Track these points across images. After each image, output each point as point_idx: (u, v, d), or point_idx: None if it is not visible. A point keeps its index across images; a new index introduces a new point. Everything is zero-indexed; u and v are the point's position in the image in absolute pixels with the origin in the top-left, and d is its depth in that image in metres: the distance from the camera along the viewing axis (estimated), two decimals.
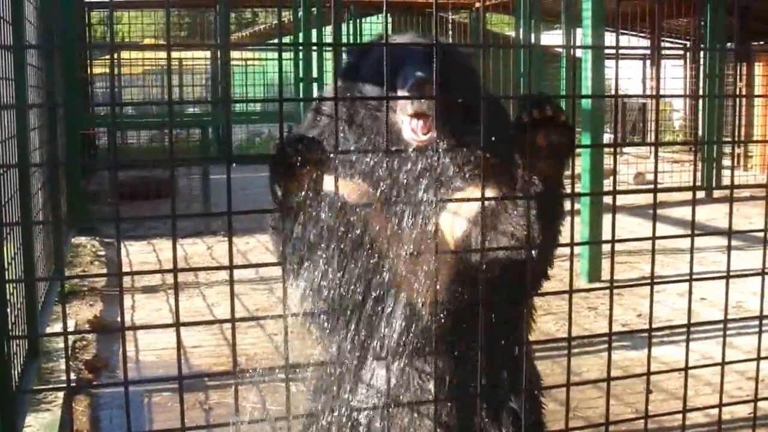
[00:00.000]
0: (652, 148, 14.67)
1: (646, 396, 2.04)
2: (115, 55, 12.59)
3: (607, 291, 1.85)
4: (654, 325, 1.97)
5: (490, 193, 1.84)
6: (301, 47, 11.00)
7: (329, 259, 1.85)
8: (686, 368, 1.99)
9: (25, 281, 3.44)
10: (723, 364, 2.08)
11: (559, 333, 4.81)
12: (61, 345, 4.20)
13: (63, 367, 3.99)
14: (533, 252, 1.85)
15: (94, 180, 11.10)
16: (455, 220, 2.01)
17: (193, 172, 9.94)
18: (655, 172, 2.10)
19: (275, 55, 16.40)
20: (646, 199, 9.39)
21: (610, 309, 1.87)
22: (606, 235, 6.12)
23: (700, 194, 10.35)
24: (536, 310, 2.12)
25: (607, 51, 6.49)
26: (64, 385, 3.54)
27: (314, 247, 1.84)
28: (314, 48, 10.68)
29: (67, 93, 7.64)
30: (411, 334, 1.93)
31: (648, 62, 16.74)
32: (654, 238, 1.90)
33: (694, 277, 1.97)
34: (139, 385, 4.04)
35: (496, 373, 2.02)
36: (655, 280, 1.91)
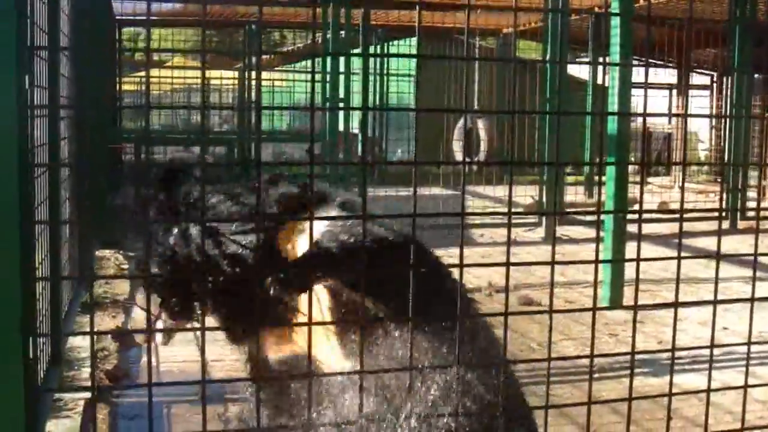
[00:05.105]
0: (677, 178, 14.64)
1: (667, 422, 2.03)
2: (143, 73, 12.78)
3: (628, 319, 1.85)
4: (676, 353, 1.96)
5: None
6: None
7: None
8: (708, 390, 1.99)
9: (52, 280, 3.48)
10: (746, 387, 2.07)
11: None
12: (83, 354, 4.25)
13: (84, 375, 4.02)
14: None
15: (120, 195, 11.19)
16: None
17: None
18: (682, 195, 2.09)
19: (301, 76, 16.57)
20: (670, 228, 9.35)
21: (633, 328, 1.87)
22: (629, 263, 6.10)
23: (725, 225, 10.28)
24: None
25: (634, 79, 6.50)
26: (88, 387, 3.56)
27: None
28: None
29: (96, 108, 7.74)
30: None
31: (674, 92, 16.74)
32: (679, 258, 1.90)
33: (718, 302, 1.97)
34: (159, 395, 4.06)
35: None
36: (679, 305, 1.91)
